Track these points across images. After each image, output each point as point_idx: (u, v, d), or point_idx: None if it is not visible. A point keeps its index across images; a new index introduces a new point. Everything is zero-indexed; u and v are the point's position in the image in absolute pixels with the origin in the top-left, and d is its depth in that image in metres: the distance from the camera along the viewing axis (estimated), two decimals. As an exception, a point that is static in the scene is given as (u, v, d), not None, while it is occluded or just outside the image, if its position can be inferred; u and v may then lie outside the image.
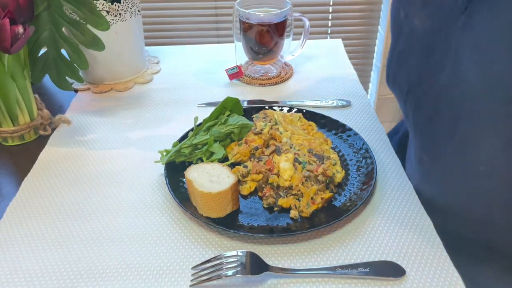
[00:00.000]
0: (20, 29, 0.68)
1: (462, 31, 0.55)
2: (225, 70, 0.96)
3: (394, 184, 0.69)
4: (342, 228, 0.62)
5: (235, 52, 0.99)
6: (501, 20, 0.50)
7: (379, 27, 1.75)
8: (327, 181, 0.65)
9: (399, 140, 0.88)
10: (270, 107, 0.83)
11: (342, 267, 0.55)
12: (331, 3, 1.70)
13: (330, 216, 0.61)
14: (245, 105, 0.87)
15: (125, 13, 0.88)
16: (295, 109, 0.83)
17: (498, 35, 0.51)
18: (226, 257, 0.55)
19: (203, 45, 1.12)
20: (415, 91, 0.67)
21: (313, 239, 0.60)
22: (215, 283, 0.54)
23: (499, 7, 0.50)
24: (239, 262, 0.55)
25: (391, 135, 0.90)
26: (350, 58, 1.06)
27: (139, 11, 0.92)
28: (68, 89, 0.85)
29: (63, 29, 0.80)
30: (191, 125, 0.78)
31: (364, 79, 1.89)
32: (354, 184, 0.67)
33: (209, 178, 0.63)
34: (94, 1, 0.83)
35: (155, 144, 0.78)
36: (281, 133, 0.74)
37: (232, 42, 0.99)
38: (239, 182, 0.67)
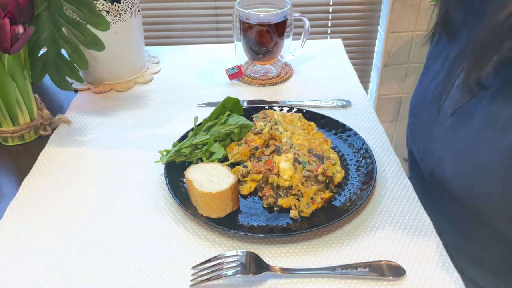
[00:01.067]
0: (20, 29, 0.68)
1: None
2: (225, 70, 0.96)
3: (394, 184, 0.69)
4: (342, 228, 0.62)
5: (235, 52, 0.99)
6: None
7: (379, 27, 1.75)
8: (327, 181, 0.65)
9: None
10: (270, 107, 0.83)
11: (342, 267, 0.55)
12: (331, 3, 1.70)
13: (330, 216, 0.61)
14: (245, 105, 0.87)
15: (125, 13, 0.88)
16: (295, 109, 0.83)
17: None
18: (226, 257, 0.55)
19: (203, 45, 1.12)
20: None
21: (313, 239, 0.60)
22: (215, 283, 0.54)
23: None
24: (239, 262, 0.55)
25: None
26: (350, 58, 1.05)
27: (139, 11, 0.92)
28: (68, 89, 0.85)
29: (63, 29, 0.80)
30: (191, 125, 0.78)
31: (364, 79, 1.89)
32: (354, 184, 0.67)
33: (209, 178, 0.63)
34: (94, 1, 0.83)
35: (155, 144, 0.78)
36: (281, 133, 0.74)
37: (232, 42, 0.99)
38: (239, 182, 0.67)
